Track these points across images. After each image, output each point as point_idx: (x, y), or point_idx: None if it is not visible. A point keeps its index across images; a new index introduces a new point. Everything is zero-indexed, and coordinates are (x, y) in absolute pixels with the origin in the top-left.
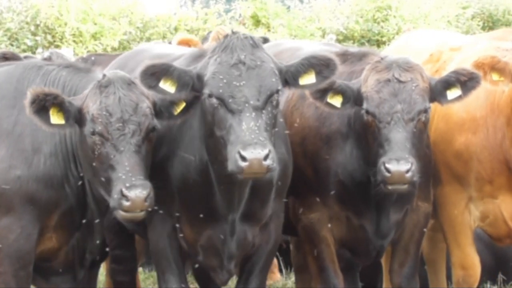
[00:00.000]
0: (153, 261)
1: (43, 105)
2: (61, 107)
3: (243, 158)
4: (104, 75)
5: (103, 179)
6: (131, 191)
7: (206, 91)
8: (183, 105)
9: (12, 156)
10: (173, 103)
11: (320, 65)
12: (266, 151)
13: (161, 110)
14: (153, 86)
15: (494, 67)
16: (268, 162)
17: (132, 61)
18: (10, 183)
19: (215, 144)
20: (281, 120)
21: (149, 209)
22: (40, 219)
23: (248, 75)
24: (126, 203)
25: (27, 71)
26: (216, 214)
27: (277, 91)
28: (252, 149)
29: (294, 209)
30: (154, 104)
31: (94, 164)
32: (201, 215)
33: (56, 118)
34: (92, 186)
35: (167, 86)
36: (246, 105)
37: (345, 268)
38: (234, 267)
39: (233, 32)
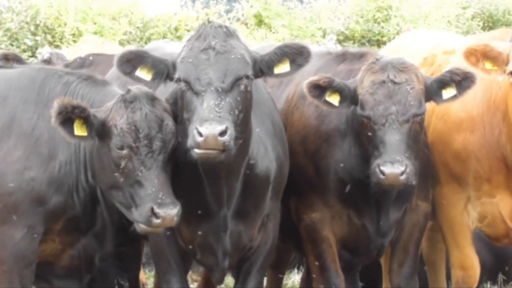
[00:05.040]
0: (153, 261)
1: (69, 117)
2: (86, 120)
3: (200, 134)
4: (129, 90)
5: (126, 193)
6: (162, 209)
7: (175, 75)
8: None
9: (28, 158)
10: None
11: (294, 54)
12: (222, 127)
13: (176, 114)
14: (129, 73)
15: (487, 54)
16: (224, 138)
17: None
18: (23, 183)
19: (184, 128)
20: (279, 120)
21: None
22: (46, 222)
23: (216, 59)
24: (157, 221)
25: (48, 77)
26: (208, 210)
27: (246, 77)
28: (208, 124)
29: (296, 209)
30: (175, 115)
31: (117, 177)
32: (194, 211)
33: (79, 130)
34: (107, 197)
35: (144, 74)
36: (210, 86)
37: (345, 268)
38: (229, 266)
39: (209, 21)
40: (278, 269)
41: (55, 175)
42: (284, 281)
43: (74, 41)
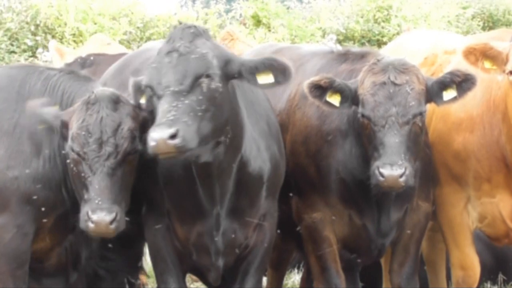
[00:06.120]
0: (151, 262)
1: None
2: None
3: (151, 138)
4: (92, 92)
5: (78, 194)
6: (95, 214)
7: (143, 82)
8: None
9: (11, 157)
10: None
11: (278, 70)
12: (171, 130)
13: (153, 122)
14: None
15: (486, 53)
16: (175, 141)
17: (137, 60)
18: (7, 183)
19: None
20: (275, 120)
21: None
22: (36, 219)
23: (178, 61)
24: (91, 225)
25: (29, 75)
26: (201, 209)
27: (207, 75)
28: (158, 129)
29: (297, 209)
30: (145, 121)
31: (73, 180)
32: (188, 210)
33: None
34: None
35: None
36: (167, 90)
37: (346, 268)
38: (224, 265)
39: (180, 23)
40: (278, 269)
41: (40, 172)
42: (284, 281)
43: (74, 41)
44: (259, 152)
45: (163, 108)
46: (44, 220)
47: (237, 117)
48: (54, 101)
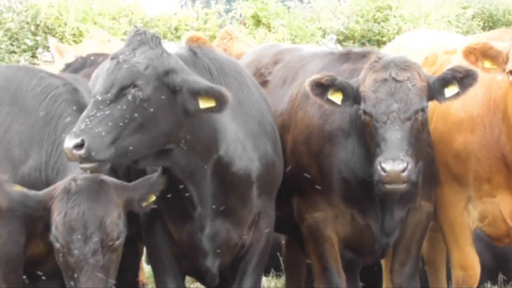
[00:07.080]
0: (150, 262)
1: None
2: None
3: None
4: (75, 179)
5: (64, 277)
6: None
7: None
8: (152, 199)
9: (1, 162)
10: (143, 200)
11: (216, 97)
12: (77, 141)
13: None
14: None
15: (486, 53)
16: (80, 152)
17: None
18: None
19: None
20: (270, 120)
21: None
22: (27, 225)
23: (113, 70)
24: None
25: (27, 78)
26: (185, 209)
27: (134, 86)
28: (68, 137)
29: (299, 209)
30: (129, 200)
31: (59, 263)
32: (176, 211)
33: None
34: None
35: None
36: (93, 98)
37: (346, 268)
38: (221, 265)
39: (135, 28)
40: (295, 267)
41: (26, 180)
42: (285, 281)
43: (75, 41)
44: (245, 152)
45: (81, 116)
46: (35, 226)
47: (201, 122)
48: (51, 115)
